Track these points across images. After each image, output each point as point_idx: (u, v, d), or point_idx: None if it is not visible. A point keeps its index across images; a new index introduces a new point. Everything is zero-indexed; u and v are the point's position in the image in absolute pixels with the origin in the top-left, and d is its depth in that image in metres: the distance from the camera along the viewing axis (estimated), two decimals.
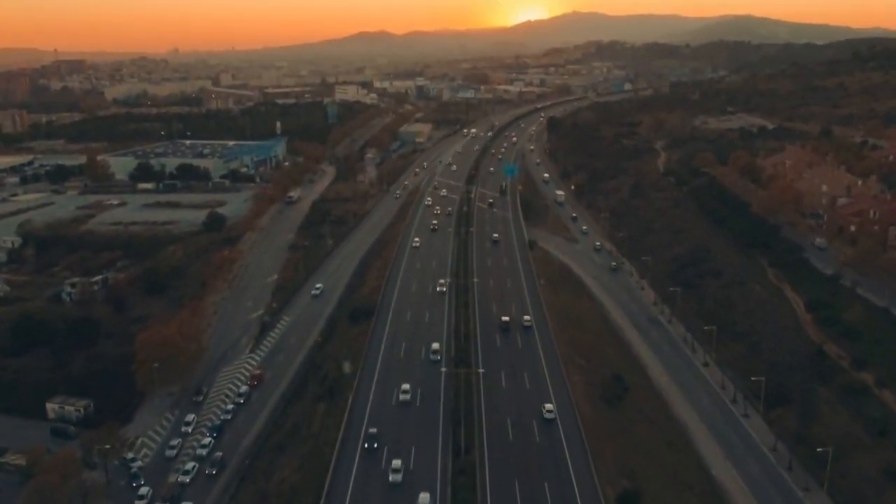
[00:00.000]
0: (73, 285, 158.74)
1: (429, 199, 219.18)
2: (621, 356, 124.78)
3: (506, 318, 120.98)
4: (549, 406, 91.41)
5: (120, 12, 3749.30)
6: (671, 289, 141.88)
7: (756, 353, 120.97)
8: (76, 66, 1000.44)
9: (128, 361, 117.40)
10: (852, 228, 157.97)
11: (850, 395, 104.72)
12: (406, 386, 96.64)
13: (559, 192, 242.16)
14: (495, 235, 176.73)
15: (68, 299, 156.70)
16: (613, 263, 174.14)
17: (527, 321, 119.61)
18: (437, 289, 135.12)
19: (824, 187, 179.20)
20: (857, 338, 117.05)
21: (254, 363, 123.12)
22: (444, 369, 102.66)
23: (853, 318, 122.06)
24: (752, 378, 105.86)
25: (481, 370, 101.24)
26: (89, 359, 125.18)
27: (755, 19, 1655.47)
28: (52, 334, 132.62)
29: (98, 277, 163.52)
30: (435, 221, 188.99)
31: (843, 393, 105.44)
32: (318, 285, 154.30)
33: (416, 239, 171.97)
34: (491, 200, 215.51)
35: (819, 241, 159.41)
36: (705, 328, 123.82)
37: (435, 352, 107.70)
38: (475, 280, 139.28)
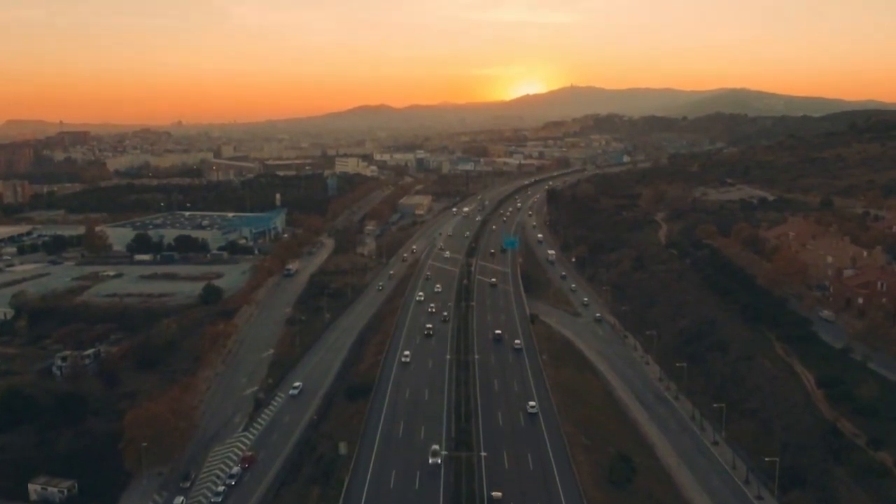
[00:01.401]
0: (63, 359, 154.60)
1: (420, 293, 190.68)
2: (627, 434, 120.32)
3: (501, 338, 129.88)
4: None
5: (125, 85, 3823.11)
6: (677, 364, 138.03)
7: (768, 432, 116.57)
8: (80, 137, 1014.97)
9: (115, 440, 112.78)
10: (860, 301, 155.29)
11: (868, 475, 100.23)
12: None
13: (550, 252, 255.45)
14: (493, 280, 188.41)
15: (59, 373, 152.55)
16: (598, 315, 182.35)
17: (532, 408, 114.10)
18: (431, 460, 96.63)
19: (829, 259, 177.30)
20: (873, 415, 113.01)
21: (247, 442, 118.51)
22: (444, 452, 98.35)
23: (867, 394, 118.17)
24: (766, 458, 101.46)
25: (484, 453, 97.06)
26: (76, 436, 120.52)
27: (750, 92, 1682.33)
28: (38, 410, 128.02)
29: (90, 351, 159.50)
30: (430, 325, 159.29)
31: (860, 473, 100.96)
32: (296, 384, 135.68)
33: (407, 352, 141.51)
34: (493, 251, 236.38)
35: (825, 313, 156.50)
36: (714, 405, 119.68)
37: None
38: (476, 356, 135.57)
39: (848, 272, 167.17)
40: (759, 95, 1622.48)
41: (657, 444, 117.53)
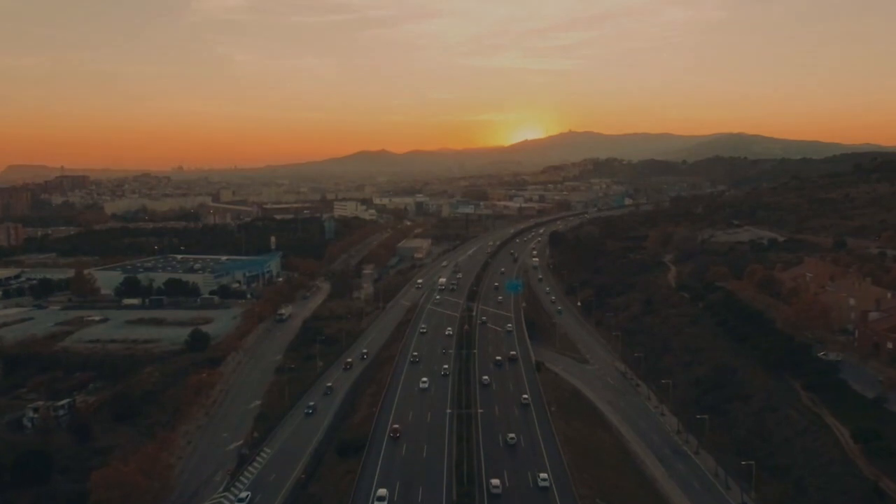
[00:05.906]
0: (35, 410, 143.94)
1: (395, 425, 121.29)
2: (646, 495, 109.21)
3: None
4: None
5: (126, 132, 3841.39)
6: (698, 416, 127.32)
7: (801, 492, 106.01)
8: (79, 181, 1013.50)
9: (81, 502, 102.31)
10: (889, 346, 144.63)
11: None
12: None
13: (535, 259, 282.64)
14: (499, 298, 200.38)
15: (30, 425, 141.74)
16: (559, 308, 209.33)
17: (543, 480, 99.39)
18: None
19: (851, 301, 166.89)
20: None
21: None
22: None
23: None
24: None
25: None
26: (37, 499, 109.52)
27: (748, 136, 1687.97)
28: None
29: (64, 401, 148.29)
30: (425, 379, 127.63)
31: None
32: (242, 494, 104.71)
33: (396, 426, 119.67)
34: (497, 284, 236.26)
35: (833, 355, 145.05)
36: (742, 463, 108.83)
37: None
38: (479, 410, 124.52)
39: (874, 315, 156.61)
40: (757, 139, 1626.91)
41: None
